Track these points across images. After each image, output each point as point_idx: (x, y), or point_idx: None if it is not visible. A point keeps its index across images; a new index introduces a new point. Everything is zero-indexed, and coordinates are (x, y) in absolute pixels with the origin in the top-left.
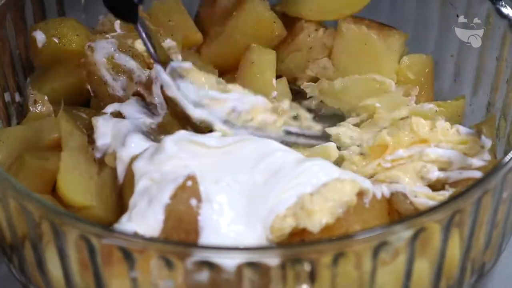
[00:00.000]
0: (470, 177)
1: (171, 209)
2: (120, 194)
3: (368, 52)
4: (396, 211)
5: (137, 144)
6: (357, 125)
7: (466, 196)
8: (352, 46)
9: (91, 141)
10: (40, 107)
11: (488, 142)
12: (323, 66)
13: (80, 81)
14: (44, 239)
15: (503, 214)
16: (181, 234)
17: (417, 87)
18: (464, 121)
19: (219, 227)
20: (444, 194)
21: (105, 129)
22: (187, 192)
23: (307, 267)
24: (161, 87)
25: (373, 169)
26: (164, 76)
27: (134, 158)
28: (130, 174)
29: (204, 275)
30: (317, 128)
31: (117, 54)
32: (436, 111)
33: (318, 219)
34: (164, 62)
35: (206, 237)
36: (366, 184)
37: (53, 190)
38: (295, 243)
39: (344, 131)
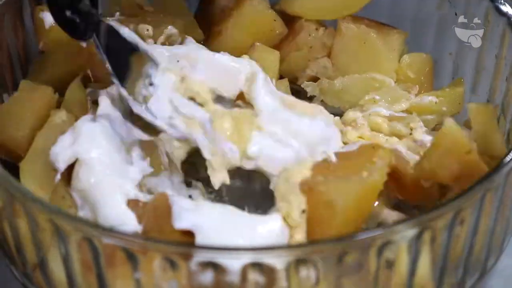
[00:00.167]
0: None
1: None
2: None
3: (368, 51)
4: None
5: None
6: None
7: (469, 195)
8: (352, 45)
9: None
10: None
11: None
12: (323, 66)
13: (80, 67)
14: (46, 241)
15: (506, 212)
16: None
17: (417, 86)
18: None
19: None
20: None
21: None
22: None
23: (312, 267)
24: None
25: None
26: (123, 91)
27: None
28: None
29: (208, 276)
30: None
31: None
32: (436, 102)
33: None
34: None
35: None
36: None
37: None
38: (299, 243)
39: None
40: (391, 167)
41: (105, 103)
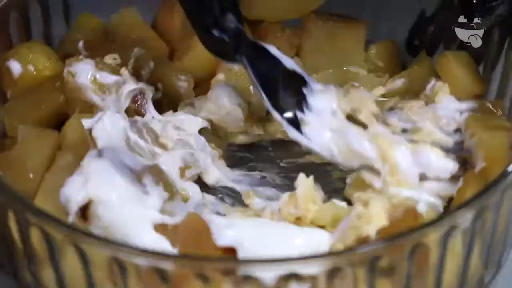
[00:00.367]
0: None
1: None
2: None
3: (337, 46)
4: None
5: None
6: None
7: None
8: (321, 42)
9: None
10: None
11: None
12: None
13: (57, 106)
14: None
15: None
16: None
17: (387, 74)
18: None
19: None
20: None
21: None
22: None
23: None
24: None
25: None
26: (276, 115)
27: None
28: None
29: None
30: None
31: (98, 74)
32: (408, 81)
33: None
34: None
35: None
36: None
37: None
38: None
39: None
40: None
41: (103, 134)
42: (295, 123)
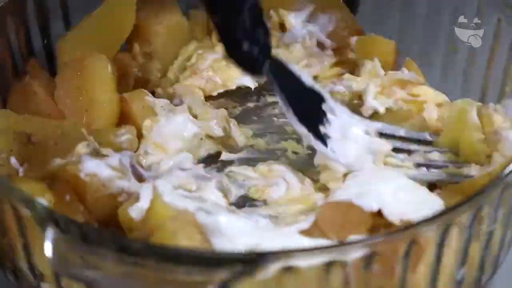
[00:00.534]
0: None
1: None
2: None
3: None
4: None
5: None
6: None
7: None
8: None
9: None
10: None
11: None
12: None
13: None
14: None
15: None
16: None
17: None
18: None
19: None
20: None
21: None
22: None
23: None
24: None
25: None
26: (301, 129)
27: None
28: None
29: None
30: None
31: None
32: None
33: None
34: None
35: None
36: None
37: None
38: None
39: None
40: None
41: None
42: (320, 137)
